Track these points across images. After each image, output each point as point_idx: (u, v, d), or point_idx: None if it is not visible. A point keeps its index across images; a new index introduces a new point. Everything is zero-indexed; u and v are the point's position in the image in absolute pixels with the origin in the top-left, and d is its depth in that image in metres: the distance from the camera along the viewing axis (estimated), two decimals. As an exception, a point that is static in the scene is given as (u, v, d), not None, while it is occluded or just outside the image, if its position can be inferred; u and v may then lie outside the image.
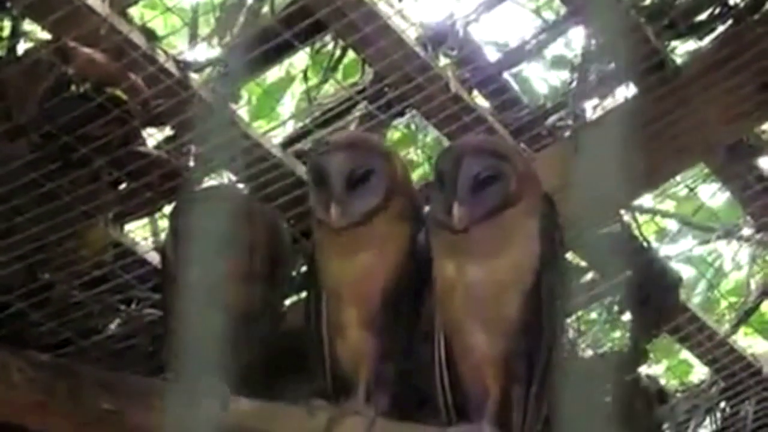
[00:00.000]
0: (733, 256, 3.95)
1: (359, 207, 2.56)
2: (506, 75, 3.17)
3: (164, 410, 2.61)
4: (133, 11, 2.83)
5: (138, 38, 2.66)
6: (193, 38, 2.81)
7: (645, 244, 3.36)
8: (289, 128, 3.17)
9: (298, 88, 3.42)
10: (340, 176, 2.54)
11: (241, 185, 2.98)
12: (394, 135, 3.27)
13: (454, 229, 2.47)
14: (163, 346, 2.86)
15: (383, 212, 2.58)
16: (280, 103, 3.43)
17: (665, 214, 3.81)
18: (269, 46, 2.73)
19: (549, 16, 3.21)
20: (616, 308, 3.44)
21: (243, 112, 3.22)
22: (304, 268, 2.96)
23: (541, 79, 3.38)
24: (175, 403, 2.56)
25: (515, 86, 3.22)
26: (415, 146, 3.31)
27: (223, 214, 2.64)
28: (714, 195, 3.68)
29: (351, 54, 3.03)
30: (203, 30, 2.96)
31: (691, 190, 3.57)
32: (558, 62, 3.34)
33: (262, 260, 2.75)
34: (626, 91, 3.06)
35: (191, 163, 2.83)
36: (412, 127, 3.27)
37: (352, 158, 2.56)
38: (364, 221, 2.56)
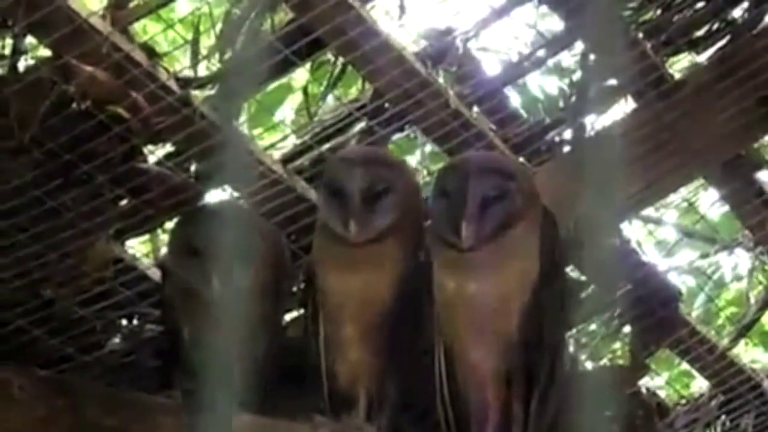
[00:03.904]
0: (734, 267, 3.96)
1: (377, 223, 2.56)
2: (506, 88, 3.18)
3: (165, 426, 2.61)
4: (136, 26, 2.84)
5: (139, 56, 2.67)
6: (195, 55, 2.81)
7: (644, 257, 3.36)
8: (289, 143, 3.17)
9: (297, 101, 3.43)
10: (359, 192, 2.54)
11: (242, 201, 2.99)
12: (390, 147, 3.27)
13: (461, 247, 2.48)
14: (167, 362, 2.86)
15: (397, 229, 2.59)
16: (280, 117, 3.43)
17: (665, 224, 3.82)
18: (269, 63, 2.74)
19: (548, 30, 3.22)
20: (616, 322, 3.44)
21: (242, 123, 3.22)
22: (303, 284, 2.96)
23: (539, 87, 3.39)
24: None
25: (515, 100, 3.23)
26: (413, 156, 3.31)
27: (236, 230, 2.64)
28: (712, 207, 3.69)
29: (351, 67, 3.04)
30: (204, 44, 2.96)
31: (691, 204, 3.58)
32: (557, 70, 3.35)
33: (266, 275, 2.75)
34: (625, 107, 3.07)
35: (193, 180, 2.83)
36: (411, 136, 3.27)
37: (371, 174, 2.56)
38: (380, 238, 2.57)
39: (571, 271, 2.97)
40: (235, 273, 2.56)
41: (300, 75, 3.28)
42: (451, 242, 2.50)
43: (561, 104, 3.27)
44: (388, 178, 2.58)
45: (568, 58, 3.29)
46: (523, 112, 3.21)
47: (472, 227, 2.46)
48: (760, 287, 3.77)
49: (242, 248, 2.64)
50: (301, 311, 2.98)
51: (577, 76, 3.20)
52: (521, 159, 3.08)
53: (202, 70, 2.88)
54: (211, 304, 2.54)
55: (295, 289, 3.02)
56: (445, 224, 2.51)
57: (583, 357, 3.55)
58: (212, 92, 2.82)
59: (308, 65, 2.98)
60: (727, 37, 3.00)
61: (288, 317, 3.06)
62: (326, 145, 3.04)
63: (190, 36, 2.90)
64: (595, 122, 3.10)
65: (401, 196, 2.58)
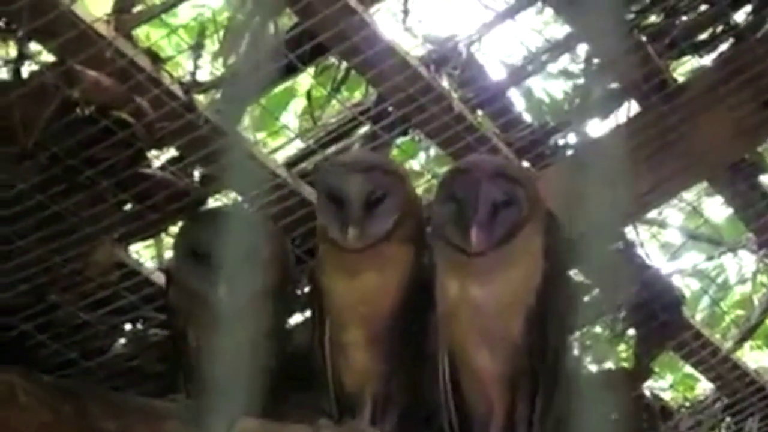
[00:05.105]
0: (738, 270, 3.96)
1: (375, 229, 2.57)
2: (510, 92, 3.18)
3: (170, 431, 2.61)
4: (139, 31, 2.84)
5: (143, 61, 2.67)
6: (197, 60, 2.81)
7: (649, 260, 3.36)
8: (293, 147, 3.17)
9: (301, 105, 3.44)
10: (358, 198, 2.55)
11: (246, 205, 2.99)
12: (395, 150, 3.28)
13: (470, 252, 2.48)
14: (171, 366, 2.86)
15: (395, 234, 2.59)
16: (284, 121, 3.43)
17: (670, 227, 3.82)
18: (273, 68, 2.74)
19: (552, 34, 3.22)
20: (620, 325, 3.44)
21: (246, 127, 3.22)
22: (308, 288, 2.96)
23: (543, 90, 3.39)
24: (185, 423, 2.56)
25: (519, 104, 3.24)
26: (417, 159, 3.32)
27: (240, 234, 2.64)
28: (716, 210, 3.70)
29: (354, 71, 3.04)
30: (210, 49, 2.96)
31: (695, 208, 3.58)
32: (562, 73, 3.35)
33: (271, 279, 2.76)
34: (629, 110, 3.07)
35: (197, 184, 2.83)
36: (415, 139, 3.27)
37: (370, 180, 2.56)
38: (379, 243, 2.57)
39: (575, 275, 2.97)
40: (240, 277, 2.55)
41: (304, 79, 3.28)
42: (458, 246, 2.50)
43: (566, 108, 3.27)
44: (387, 183, 2.58)
45: (573, 61, 3.29)
46: (527, 115, 3.21)
47: (483, 232, 2.46)
48: (765, 290, 3.77)
49: (247, 252, 2.65)
50: (306, 315, 2.98)
51: (581, 80, 3.20)
52: (525, 163, 3.08)
53: (207, 75, 2.88)
54: (216, 309, 2.54)
55: (299, 293, 3.02)
56: (454, 228, 2.50)
57: (587, 360, 3.55)
58: (216, 97, 2.82)
59: (312, 69, 2.98)
60: (731, 41, 3.00)
61: (293, 321, 3.06)
62: (330, 149, 3.05)
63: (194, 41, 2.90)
64: (598, 126, 3.10)
65: (399, 202, 2.59)
